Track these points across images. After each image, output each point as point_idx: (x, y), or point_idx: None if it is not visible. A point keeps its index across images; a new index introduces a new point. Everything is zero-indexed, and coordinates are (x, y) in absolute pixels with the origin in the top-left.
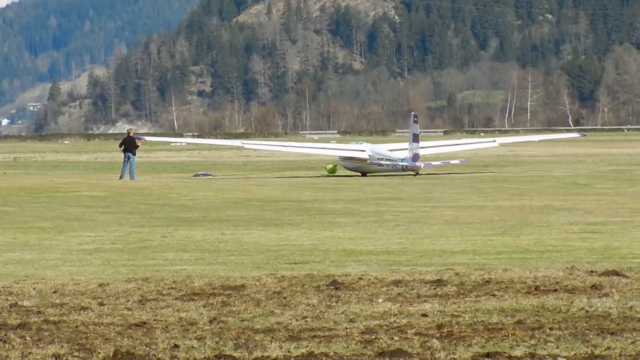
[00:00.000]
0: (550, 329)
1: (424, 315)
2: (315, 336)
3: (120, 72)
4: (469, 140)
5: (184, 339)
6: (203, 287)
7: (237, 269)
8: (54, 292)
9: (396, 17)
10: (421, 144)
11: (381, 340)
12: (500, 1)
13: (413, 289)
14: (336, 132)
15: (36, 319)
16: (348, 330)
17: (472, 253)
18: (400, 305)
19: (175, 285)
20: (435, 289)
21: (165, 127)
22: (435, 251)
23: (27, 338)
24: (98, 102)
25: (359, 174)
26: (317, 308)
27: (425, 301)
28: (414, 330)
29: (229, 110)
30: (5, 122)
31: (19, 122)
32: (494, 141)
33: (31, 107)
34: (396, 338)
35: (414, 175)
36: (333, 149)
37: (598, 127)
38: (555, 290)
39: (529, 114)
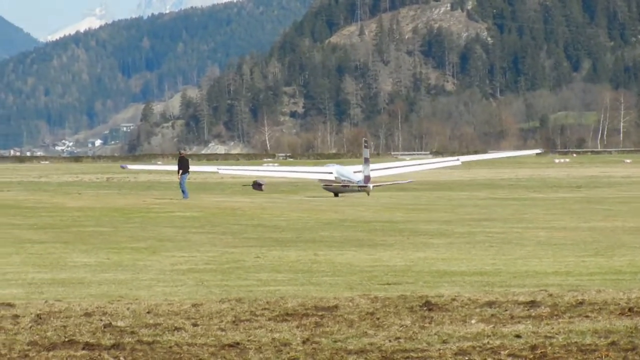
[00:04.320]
0: None
1: (518, 336)
2: (408, 357)
3: (213, 93)
4: (432, 160)
5: None
6: (296, 308)
7: (330, 289)
8: (148, 312)
9: (489, 39)
10: (377, 165)
11: None
12: (593, 22)
13: (506, 310)
14: (428, 152)
15: (130, 340)
16: (441, 351)
17: (566, 274)
18: (494, 327)
19: (268, 305)
20: (528, 310)
21: (257, 148)
22: (528, 272)
23: (121, 358)
24: (191, 122)
25: (332, 194)
26: (410, 329)
27: (519, 322)
28: (507, 351)
29: (321, 131)
30: (98, 142)
31: (112, 142)
32: (457, 160)
33: (124, 128)
34: (489, 359)
35: (367, 195)
36: (304, 172)
37: None
38: None
39: (621, 135)
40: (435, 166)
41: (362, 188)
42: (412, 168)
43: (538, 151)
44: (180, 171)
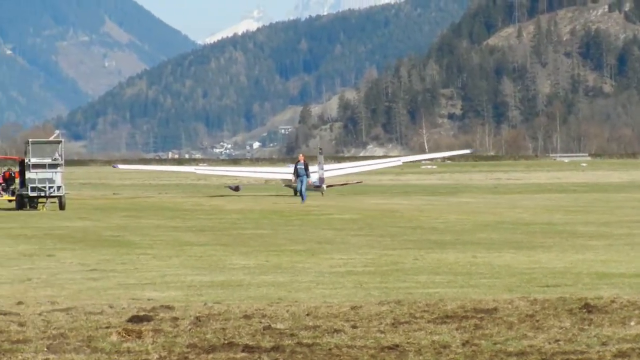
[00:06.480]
0: None
1: None
2: (567, 359)
3: (371, 95)
4: (376, 161)
5: None
6: (455, 310)
7: (489, 291)
8: (307, 314)
9: None
10: (329, 166)
11: None
12: None
13: None
14: (587, 154)
15: (289, 342)
16: (601, 353)
17: None
18: None
19: (427, 308)
20: None
21: (415, 150)
22: None
23: None
24: (349, 125)
25: (293, 191)
26: (569, 331)
27: None
28: None
29: (479, 133)
30: (256, 144)
31: (270, 144)
32: (399, 160)
33: (282, 130)
34: None
35: (322, 194)
36: (269, 172)
37: None
38: None
39: None
40: (380, 167)
41: (317, 188)
42: (359, 169)
43: (468, 151)
44: (297, 176)
